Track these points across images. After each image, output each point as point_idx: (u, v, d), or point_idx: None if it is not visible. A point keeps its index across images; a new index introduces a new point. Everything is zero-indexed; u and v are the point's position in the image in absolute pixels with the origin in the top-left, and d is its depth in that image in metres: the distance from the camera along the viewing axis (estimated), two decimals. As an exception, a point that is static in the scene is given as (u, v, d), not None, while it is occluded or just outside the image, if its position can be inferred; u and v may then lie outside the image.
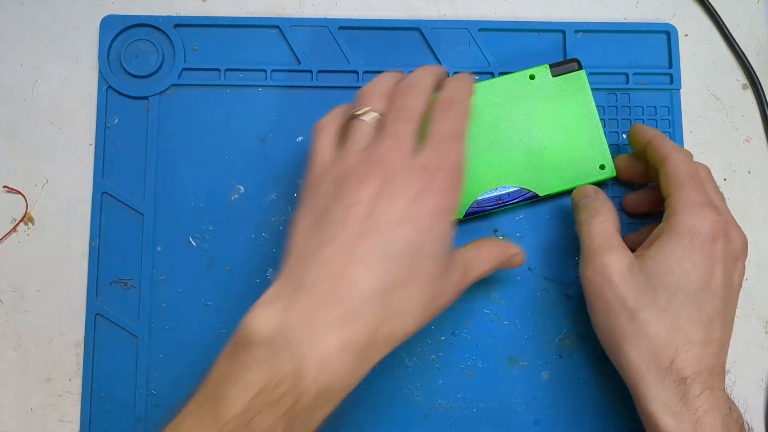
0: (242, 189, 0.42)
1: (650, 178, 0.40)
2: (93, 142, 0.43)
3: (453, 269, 0.33)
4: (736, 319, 0.43)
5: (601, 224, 0.36)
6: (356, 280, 0.29)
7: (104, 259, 0.41)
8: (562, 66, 0.41)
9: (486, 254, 0.35)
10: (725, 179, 0.45)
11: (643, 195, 0.42)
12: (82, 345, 0.41)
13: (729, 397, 0.34)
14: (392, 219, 0.30)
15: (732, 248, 0.35)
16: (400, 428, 0.40)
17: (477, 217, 0.41)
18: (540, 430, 0.41)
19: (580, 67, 0.41)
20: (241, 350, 0.28)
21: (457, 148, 0.33)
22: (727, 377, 0.42)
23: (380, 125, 0.33)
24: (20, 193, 0.42)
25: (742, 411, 0.35)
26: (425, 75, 0.35)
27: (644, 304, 0.33)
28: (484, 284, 0.42)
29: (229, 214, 0.42)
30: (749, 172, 0.45)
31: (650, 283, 0.34)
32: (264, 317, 0.28)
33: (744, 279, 0.43)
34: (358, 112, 0.34)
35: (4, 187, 0.42)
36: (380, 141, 0.32)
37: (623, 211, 0.43)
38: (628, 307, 0.34)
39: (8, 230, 0.42)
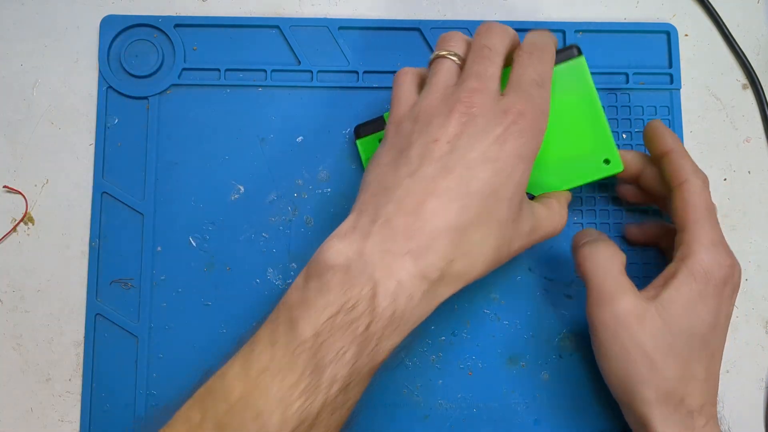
0: (242, 189, 0.42)
1: (655, 189, 0.39)
2: (93, 142, 0.43)
3: (525, 220, 0.33)
4: (735, 319, 0.43)
5: (610, 261, 0.35)
6: (433, 215, 0.29)
7: (104, 259, 0.41)
8: (559, 54, 0.37)
9: (557, 216, 0.35)
10: (725, 179, 0.45)
11: (648, 228, 0.42)
12: (82, 345, 0.41)
13: (723, 427, 0.35)
14: (473, 158, 0.30)
15: (734, 287, 0.35)
16: (400, 428, 0.40)
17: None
18: (540, 430, 0.41)
19: (580, 53, 0.37)
20: (315, 278, 0.29)
21: (542, 94, 0.33)
22: (726, 377, 0.42)
23: (463, 67, 0.33)
24: (20, 193, 0.42)
25: (739, 414, 0.37)
26: (502, 26, 0.34)
27: (662, 350, 0.33)
28: (484, 284, 0.42)
29: (229, 214, 0.42)
30: (749, 172, 0.45)
31: (667, 329, 0.33)
32: (338, 247, 0.29)
33: (744, 278, 0.44)
34: (441, 53, 0.34)
35: (4, 187, 0.42)
36: (464, 81, 0.32)
37: (624, 239, 0.42)
38: (648, 354, 0.33)
39: (8, 230, 0.42)
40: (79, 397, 0.40)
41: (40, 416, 0.40)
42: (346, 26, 0.44)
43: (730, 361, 0.43)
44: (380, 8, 0.45)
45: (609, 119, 0.44)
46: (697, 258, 0.34)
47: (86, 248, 0.42)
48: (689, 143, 0.44)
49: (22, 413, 0.40)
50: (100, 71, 0.43)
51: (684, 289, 0.34)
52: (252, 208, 0.42)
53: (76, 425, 0.40)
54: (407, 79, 0.35)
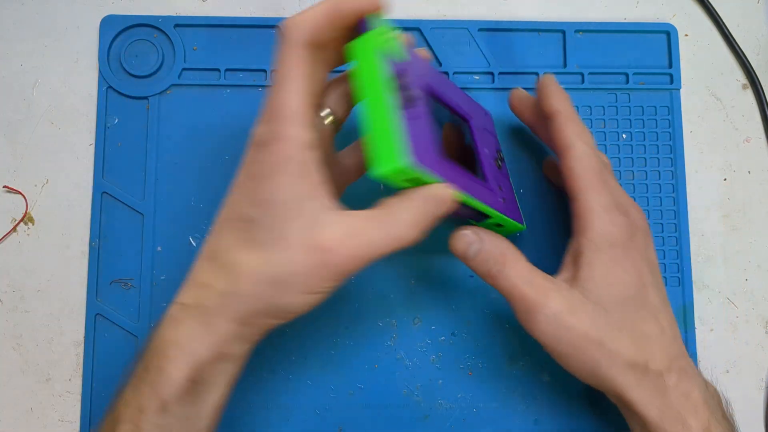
0: (242, 189, 0.42)
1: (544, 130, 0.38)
2: (93, 142, 0.43)
3: (320, 234, 0.29)
4: (735, 318, 0.43)
5: (518, 270, 0.34)
6: (201, 249, 0.32)
7: (104, 259, 0.41)
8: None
9: (391, 215, 0.30)
10: (725, 179, 0.45)
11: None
12: (82, 345, 0.41)
13: (701, 374, 0.35)
14: (232, 188, 0.31)
15: (642, 236, 0.35)
16: (400, 428, 0.40)
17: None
18: (540, 430, 0.41)
19: (369, 29, 0.30)
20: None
21: (279, 97, 0.30)
22: (726, 377, 0.42)
23: None
24: (20, 193, 0.42)
25: (739, 414, 0.36)
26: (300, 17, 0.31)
27: (605, 329, 0.33)
28: (484, 284, 0.42)
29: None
30: (749, 172, 0.45)
31: (598, 306, 0.33)
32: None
33: (745, 278, 0.44)
34: None
35: (4, 187, 0.42)
36: None
37: (543, 172, 0.42)
38: (593, 339, 0.33)
39: (8, 230, 0.42)
40: (79, 397, 0.40)
41: (40, 416, 0.40)
42: (346, 26, 0.44)
43: (730, 361, 0.43)
44: (380, 8, 0.45)
45: (609, 119, 0.44)
46: (594, 228, 0.34)
47: (86, 248, 0.42)
48: (689, 143, 0.44)
49: (22, 413, 0.40)
50: (100, 71, 0.43)
51: (595, 263, 0.34)
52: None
53: (76, 425, 0.40)
54: None
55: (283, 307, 0.30)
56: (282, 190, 0.29)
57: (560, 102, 0.37)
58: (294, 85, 0.29)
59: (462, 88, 0.42)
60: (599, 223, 0.34)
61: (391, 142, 0.28)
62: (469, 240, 0.34)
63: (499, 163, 0.39)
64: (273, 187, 0.29)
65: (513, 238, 0.42)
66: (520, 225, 0.37)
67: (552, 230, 0.43)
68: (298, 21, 0.30)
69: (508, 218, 0.36)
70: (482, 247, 0.34)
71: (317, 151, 0.30)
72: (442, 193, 0.30)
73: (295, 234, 0.29)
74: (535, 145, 0.43)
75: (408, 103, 0.30)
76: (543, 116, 0.37)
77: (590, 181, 0.34)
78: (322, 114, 0.33)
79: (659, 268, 0.37)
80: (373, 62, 0.30)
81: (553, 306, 0.33)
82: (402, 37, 0.32)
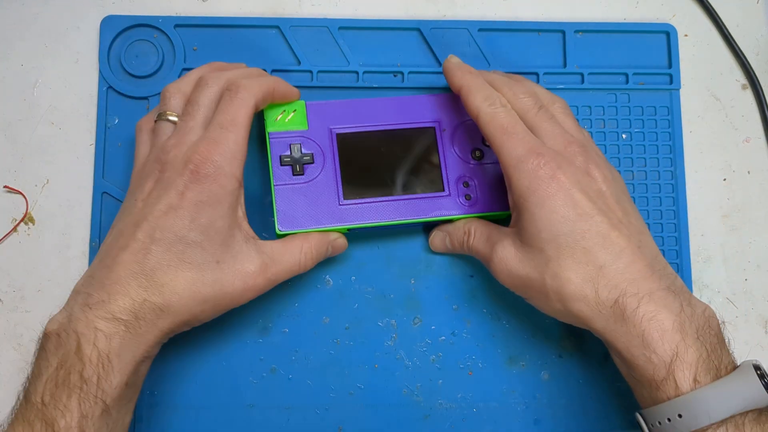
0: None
1: None
2: (93, 142, 0.43)
3: (245, 259, 0.35)
4: (735, 318, 0.43)
5: (476, 235, 0.39)
6: (122, 264, 0.33)
7: (104, 259, 0.41)
8: None
9: (294, 248, 0.37)
10: (725, 179, 0.45)
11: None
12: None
13: (681, 296, 0.34)
14: (159, 209, 0.33)
15: (577, 165, 0.35)
16: (400, 428, 0.40)
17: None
18: (540, 430, 0.41)
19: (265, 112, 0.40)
20: (39, 350, 0.33)
21: (229, 137, 0.35)
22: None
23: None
24: (20, 193, 0.42)
25: None
26: (222, 69, 0.38)
27: (542, 267, 0.34)
28: (484, 284, 0.42)
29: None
30: (749, 172, 0.45)
31: (535, 248, 0.35)
32: (54, 317, 0.34)
33: (744, 278, 0.44)
34: (160, 113, 0.37)
35: (5, 187, 0.42)
36: (168, 138, 0.36)
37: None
38: (535, 279, 0.35)
39: (9, 230, 0.42)
40: (79, 397, 0.40)
41: (41, 416, 0.40)
42: (346, 26, 0.44)
43: (729, 361, 0.43)
44: (380, 8, 0.45)
45: (609, 119, 0.44)
46: (514, 179, 0.35)
47: (86, 248, 0.42)
48: (689, 143, 0.44)
49: (22, 413, 0.40)
50: (100, 71, 0.43)
51: (521, 211, 0.35)
52: (252, 208, 0.42)
53: (77, 425, 0.40)
54: (142, 133, 0.38)
55: (203, 319, 0.35)
56: (220, 219, 0.34)
57: (462, 77, 0.38)
58: (242, 132, 0.35)
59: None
60: (516, 173, 0.35)
61: (274, 212, 0.39)
62: (440, 237, 0.41)
63: (479, 153, 0.41)
64: (213, 216, 0.34)
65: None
66: (499, 213, 0.40)
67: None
68: (252, 85, 0.36)
69: (466, 215, 0.40)
70: (450, 240, 0.40)
71: (242, 186, 0.36)
72: (333, 240, 0.39)
73: (228, 259, 0.35)
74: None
75: (297, 168, 0.39)
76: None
77: (498, 138, 0.36)
78: None
79: (611, 186, 0.35)
80: (267, 145, 0.39)
81: (498, 254, 0.36)
82: (301, 107, 0.40)
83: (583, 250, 0.34)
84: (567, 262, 0.34)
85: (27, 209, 0.42)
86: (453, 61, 0.40)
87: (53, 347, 0.32)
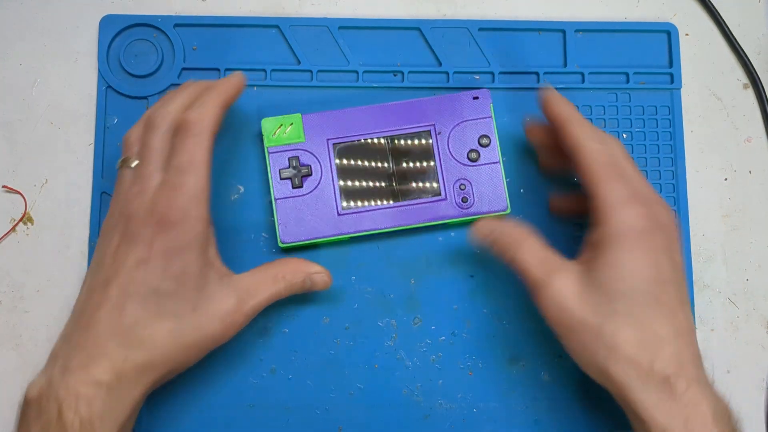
0: (242, 189, 0.42)
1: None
2: (92, 141, 0.43)
3: (221, 299, 0.34)
4: (736, 318, 0.43)
5: (529, 251, 0.35)
6: (97, 324, 0.32)
7: (104, 259, 0.41)
8: None
9: (268, 278, 0.36)
10: (726, 179, 0.45)
11: (572, 197, 0.41)
12: (82, 345, 0.41)
13: (714, 388, 0.33)
14: (129, 264, 0.33)
15: (666, 233, 0.34)
16: (400, 428, 0.40)
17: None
18: (540, 430, 0.41)
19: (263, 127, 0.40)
20: (20, 417, 0.32)
21: (189, 180, 0.33)
22: (727, 377, 0.42)
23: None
24: (19, 193, 0.42)
25: (742, 408, 0.34)
26: (167, 104, 0.36)
27: (606, 316, 0.33)
28: (484, 284, 0.42)
29: (229, 214, 0.42)
30: (750, 171, 0.45)
31: (604, 294, 0.33)
32: (34, 382, 0.32)
33: (745, 278, 0.44)
34: (121, 160, 0.36)
35: (4, 187, 0.42)
36: (128, 188, 0.34)
37: (551, 211, 0.42)
38: (591, 325, 0.33)
39: (7, 230, 0.42)
40: (78, 398, 0.40)
41: (40, 416, 0.40)
42: (346, 26, 0.44)
43: (730, 361, 0.43)
44: (380, 8, 0.45)
45: (609, 119, 0.44)
46: (614, 219, 0.33)
47: (86, 248, 0.42)
48: (690, 143, 0.44)
49: (21, 413, 0.40)
50: (99, 71, 0.43)
51: (609, 253, 0.33)
52: (252, 208, 0.42)
53: (76, 425, 0.40)
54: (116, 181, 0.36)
55: (187, 365, 0.35)
56: (192, 264, 0.33)
57: (565, 108, 0.37)
58: (203, 171, 0.34)
59: (462, 88, 0.42)
60: (617, 214, 0.33)
61: (276, 226, 0.40)
62: (485, 232, 0.37)
63: (475, 154, 0.40)
64: (184, 262, 0.33)
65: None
66: (496, 213, 0.40)
67: (551, 228, 0.42)
68: (203, 115, 0.34)
69: (464, 218, 0.40)
70: (496, 237, 0.37)
71: (211, 224, 0.35)
72: (313, 274, 0.37)
73: (204, 303, 0.34)
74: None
75: (296, 181, 0.40)
76: (552, 130, 0.38)
77: (604, 174, 0.34)
78: None
79: (684, 271, 0.35)
80: (266, 159, 0.40)
81: (556, 285, 0.34)
82: (297, 120, 0.40)
83: (654, 316, 0.33)
84: (633, 320, 0.32)
85: (26, 209, 0.42)
86: (553, 91, 0.38)
87: (34, 415, 0.31)
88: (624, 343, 0.32)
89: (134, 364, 0.32)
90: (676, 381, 0.32)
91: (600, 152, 0.35)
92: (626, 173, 0.35)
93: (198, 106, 0.35)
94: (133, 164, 0.35)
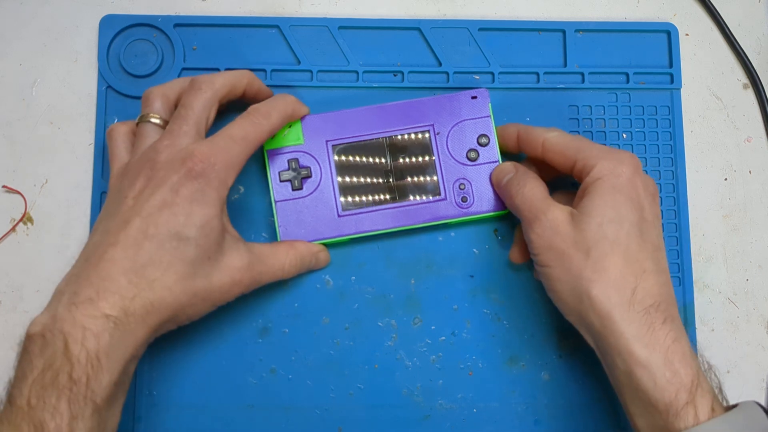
0: (242, 189, 0.42)
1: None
2: (92, 141, 0.43)
3: (233, 255, 0.36)
4: (737, 318, 0.43)
5: (533, 190, 0.37)
6: (110, 262, 0.32)
7: (104, 259, 0.41)
8: None
9: (282, 251, 0.38)
10: (726, 179, 0.45)
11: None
12: (82, 345, 0.41)
13: (684, 329, 0.35)
14: (153, 205, 0.33)
15: (648, 185, 0.36)
16: (400, 428, 0.40)
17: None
18: (540, 430, 0.41)
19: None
20: (21, 352, 0.32)
21: (235, 149, 0.35)
22: (727, 377, 0.42)
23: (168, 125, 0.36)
24: (19, 193, 0.42)
25: None
26: (219, 77, 0.37)
27: (595, 241, 0.34)
28: (484, 284, 0.42)
29: (229, 214, 0.42)
30: (750, 171, 0.45)
31: (595, 222, 0.35)
32: (36, 319, 0.32)
33: (745, 278, 0.44)
34: (143, 115, 0.37)
35: (3, 186, 0.42)
36: (157, 140, 0.35)
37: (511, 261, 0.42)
38: (582, 246, 0.34)
39: (7, 230, 0.42)
40: (78, 398, 0.40)
41: (40, 416, 0.40)
42: (346, 26, 0.44)
43: (730, 361, 0.43)
44: (380, 8, 0.45)
45: (609, 119, 0.44)
46: (597, 166, 0.36)
47: (86, 248, 0.42)
48: (690, 143, 0.44)
49: (21, 413, 0.40)
50: (99, 71, 0.43)
51: (597, 192, 0.35)
52: (252, 208, 0.42)
53: (76, 425, 0.40)
54: (118, 136, 0.37)
55: (190, 315, 0.35)
56: (213, 218, 0.34)
57: (513, 126, 0.40)
58: (250, 150, 0.36)
59: (462, 88, 0.42)
60: (602, 161, 0.36)
61: (276, 228, 0.40)
62: (507, 170, 0.40)
63: (475, 154, 0.41)
64: (207, 215, 0.34)
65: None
66: (496, 212, 0.41)
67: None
68: (215, 79, 0.37)
69: (464, 218, 0.40)
70: (513, 176, 0.39)
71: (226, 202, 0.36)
72: (317, 253, 0.40)
73: (218, 255, 0.35)
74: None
75: (296, 183, 0.40)
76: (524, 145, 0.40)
77: (578, 145, 0.37)
78: None
79: (660, 220, 0.37)
80: (265, 162, 0.40)
81: (550, 216, 0.36)
82: (296, 122, 0.41)
83: (638, 247, 0.34)
84: (620, 248, 0.34)
85: (26, 209, 0.42)
86: (503, 128, 0.41)
87: (38, 349, 0.31)
88: (611, 266, 0.34)
89: (143, 303, 0.32)
90: (655, 313, 0.33)
91: (563, 135, 0.38)
92: (590, 142, 0.38)
93: (266, 104, 0.38)
94: (154, 120, 0.37)
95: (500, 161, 0.41)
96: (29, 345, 0.32)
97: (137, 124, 0.37)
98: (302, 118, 0.41)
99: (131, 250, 0.33)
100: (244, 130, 0.36)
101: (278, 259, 0.38)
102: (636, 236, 0.35)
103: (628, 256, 0.34)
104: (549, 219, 0.36)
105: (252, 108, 0.37)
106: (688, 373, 0.32)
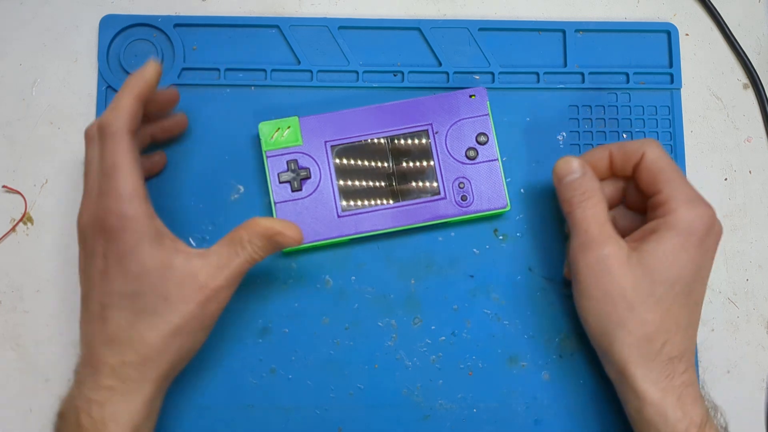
0: (242, 189, 0.42)
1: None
2: (92, 141, 0.43)
3: (188, 283, 0.34)
4: (737, 318, 0.43)
5: (596, 208, 0.37)
6: (91, 338, 0.35)
7: (104, 259, 0.41)
8: None
9: (233, 249, 0.35)
10: (726, 179, 0.45)
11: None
12: (82, 345, 0.41)
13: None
14: (95, 276, 0.35)
15: (717, 235, 0.37)
16: (400, 428, 0.40)
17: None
18: (540, 430, 0.41)
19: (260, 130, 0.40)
20: (54, 430, 0.35)
21: (117, 182, 0.34)
22: (727, 377, 0.42)
23: None
24: (19, 193, 0.42)
25: (740, 414, 0.38)
26: (100, 117, 0.35)
27: (642, 295, 0.35)
28: (484, 284, 0.42)
29: (229, 214, 0.42)
30: (750, 171, 0.45)
31: (649, 276, 0.35)
32: (62, 400, 0.35)
33: (745, 279, 0.44)
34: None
35: (3, 186, 0.42)
36: (81, 204, 0.36)
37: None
38: (627, 297, 0.35)
39: (7, 230, 0.42)
40: (78, 398, 0.40)
41: (40, 416, 0.40)
42: (346, 26, 0.44)
43: (731, 361, 0.43)
44: (380, 8, 0.45)
45: (609, 119, 0.44)
46: (677, 214, 0.35)
47: (86, 248, 0.42)
48: (690, 143, 0.44)
49: (21, 413, 0.40)
50: (99, 71, 0.43)
51: (665, 241, 0.35)
52: (252, 208, 0.42)
53: (76, 425, 0.40)
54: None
55: (189, 350, 0.36)
56: (148, 260, 0.34)
57: (601, 147, 0.39)
58: (127, 171, 0.34)
59: (462, 88, 0.42)
60: (684, 210, 0.35)
61: None
62: (573, 168, 0.38)
63: (474, 152, 0.41)
64: (140, 261, 0.34)
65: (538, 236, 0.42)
66: (496, 211, 0.40)
67: (549, 231, 0.42)
68: (116, 115, 0.34)
69: (462, 217, 0.40)
70: (578, 178, 0.37)
71: (155, 216, 0.35)
72: (277, 230, 0.35)
73: (173, 291, 0.34)
74: (534, 146, 0.43)
75: (295, 184, 0.40)
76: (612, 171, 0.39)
77: (673, 174, 0.36)
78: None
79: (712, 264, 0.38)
80: (264, 164, 0.40)
81: (609, 250, 0.35)
82: (294, 123, 0.40)
83: (680, 305, 0.35)
84: (663, 306, 0.35)
85: (26, 209, 0.42)
86: (566, 160, 0.38)
87: (61, 425, 0.35)
88: (650, 323, 0.35)
89: (132, 365, 0.34)
90: (678, 363, 0.35)
91: (664, 157, 0.37)
92: (683, 176, 0.37)
93: (110, 107, 0.35)
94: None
95: (499, 160, 0.41)
96: (57, 423, 0.35)
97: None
98: (300, 119, 0.40)
99: (98, 323, 0.34)
100: (108, 159, 0.34)
101: (237, 257, 0.35)
102: (683, 296, 0.35)
103: (669, 314, 0.35)
104: (604, 255, 0.35)
105: (97, 128, 0.34)
106: (698, 413, 0.34)
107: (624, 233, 0.38)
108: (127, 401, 0.34)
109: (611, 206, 0.40)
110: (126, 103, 0.34)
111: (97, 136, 0.35)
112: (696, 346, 0.42)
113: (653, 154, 0.37)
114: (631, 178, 0.39)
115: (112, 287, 0.34)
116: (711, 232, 0.36)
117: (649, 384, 0.35)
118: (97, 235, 0.34)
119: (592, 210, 0.36)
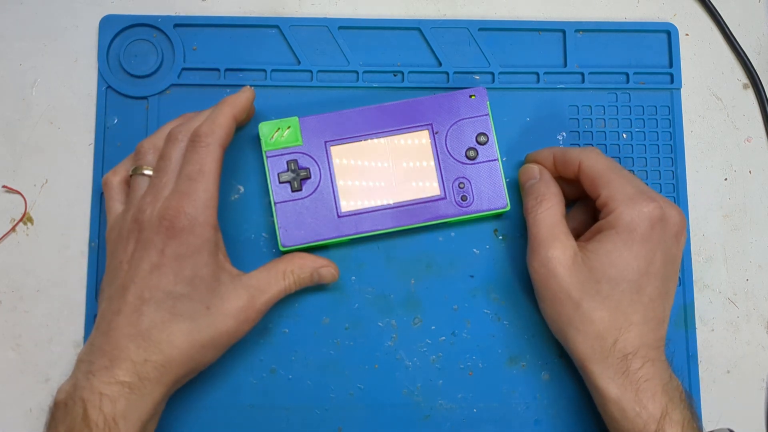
0: (242, 189, 0.42)
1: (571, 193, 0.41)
2: (92, 142, 0.43)
3: (231, 298, 0.36)
4: (737, 318, 0.43)
5: (547, 212, 0.38)
6: (117, 329, 0.34)
7: (104, 259, 0.41)
8: None
9: (277, 275, 0.38)
10: (726, 179, 0.45)
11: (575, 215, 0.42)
12: (82, 345, 0.41)
13: (669, 368, 0.37)
14: (144, 269, 0.34)
15: (670, 228, 0.37)
16: (400, 428, 0.40)
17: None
18: (540, 430, 0.41)
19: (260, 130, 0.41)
20: (49, 419, 0.34)
21: (198, 187, 0.35)
22: (727, 377, 0.42)
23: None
24: (19, 193, 0.42)
25: (740, 414, 0.37)
26: (190, 121, 0.38)
27: (588, 294, 0.36)
28: (484, 284, 0.42)
29: (229, 214, 0.42)
30: (750, 171, 0.45)
31: (593, 275, 0.36)
32: (61, 387, 0.34)
33: (745, 278, 0.44)
34: (135, 167, 0.38)
35: (3, 187, 0.42)
36: (143, 196, 0.36)
37: None
38: (573, 297, 0.36)
39: (7, 230, 0.42)
40: (78, 398, 0.40)
41: (40, 416, 0.40)
42: (346, 26, 0.44)
43: (731, 361, 0.43)
44: (380, 8, 0.45)
45: (609, 119, 0.44)
46: (616, 212, 0.36)
47: (86, 248, 0.42)
48: (690, 143, 0.44)
49: (21, 413, 0.40)
50: (99, 71, 0.43)
51: (607, 240, 0.36)
52: (252, 208, 0.42)
53: (76, 425, 0.40)
54: (112, 188, 0.38)
55: (206, 364, 0.37)
56: (203, 267, 0.35)
57: (547, 150, 0.40)
58: (212, 180, 0.36)
59: (462, 88, 0.42)
60: (622, 209, 0.36)
61: (276, 229, 0.40)
62: (532, 174, 0.40)
63: (474, 152, 0.41)
64: (195, 266, 0.35)
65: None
66: (496, 210, 0.40)
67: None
68: (214, 127, 0.36)
69: (462, 217, 0.40)
70: (535, 183, 0.39)
71: (219, 230, 0.37)
72: (319, 268, 0.39)
73: (216, 302, 0.36)
74: (534, 146, 0.43)
75: (295, 184, 0.40)
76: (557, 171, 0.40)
77: (609, 175, 0.37)
78: None
79: (677, 264, 0.38)
80: (264, 164, 0.40)
81: (551, 254, 0.36)
82: (294, 123, 0.40)
83: (630, 302, 0.36)
84: (611, 303, 0.36)
85: (26, 209, 0.42)
86: (529, 158, 0.42)
87: (61, 416, 0.33)
88: (596, 320, 0.36)
89: (154, 365, 0.34)
90: (633, 359, 0.35)
91: (599, 158, 0.38)
92: (628, 175, 0.38)
93: (209, 120, 0.37)
94: (146, 171, 0.37)
95: (499, 160, 0.41)
96: (55, 412, 0.34)
97: (130, 175, 0.38)
98: (300, 120, 0.40)
99: (133, 316, 0.34)
100: (197, 163, 0.36)
101: (278, 283, 0.38)
102: (630, 293, 0.36)
103: (618, 311, 0.36)
104: (548, 257, 0.36)
105: (192, 135, 0.36)
106: (656, 407, 0.35)
107: (584, 231, 0.39)
108: (140, 400, 0.33)
109: (577, 200, 0.41)
110: (224, 121, 0.37)
111: (187, 141, 0.36)
112: (697, 345, 0.42)
113: (589, 161, 0.38)
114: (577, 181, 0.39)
115: (160, 283, 0.34)
116: (657, 226, 0.36)
117: (607, 381, 0.35)
118: (160, 230, 0.34)
119: (543, 213, 0.38)
